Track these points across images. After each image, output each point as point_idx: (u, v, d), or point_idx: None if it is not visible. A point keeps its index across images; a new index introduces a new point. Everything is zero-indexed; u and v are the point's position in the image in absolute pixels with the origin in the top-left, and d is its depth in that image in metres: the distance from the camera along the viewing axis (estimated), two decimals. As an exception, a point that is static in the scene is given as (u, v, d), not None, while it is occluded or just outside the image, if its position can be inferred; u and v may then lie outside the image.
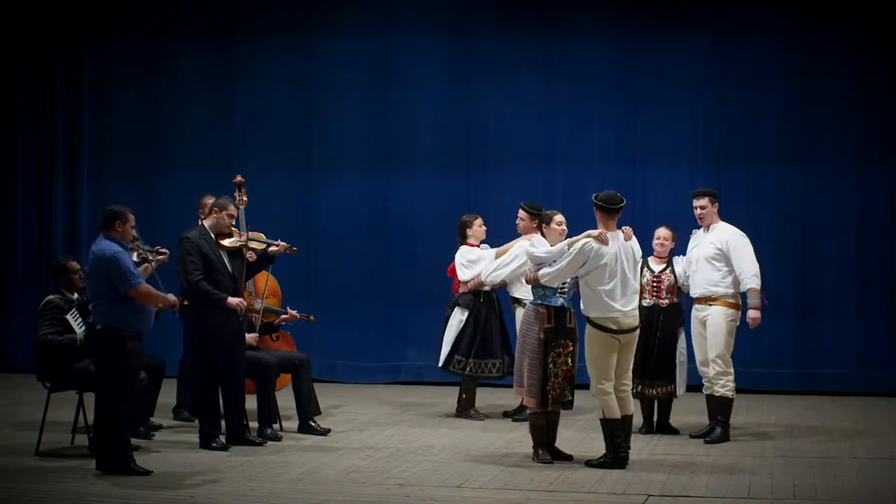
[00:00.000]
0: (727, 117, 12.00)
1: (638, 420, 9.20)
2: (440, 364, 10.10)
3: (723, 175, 11.91)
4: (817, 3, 11.87)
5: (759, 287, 8.96)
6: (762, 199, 11.89)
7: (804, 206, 11.87)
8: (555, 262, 7.91)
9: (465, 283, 9.98)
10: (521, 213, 9.98)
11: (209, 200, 9.76)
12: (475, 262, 9.98)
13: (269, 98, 13.01)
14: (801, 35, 11.84)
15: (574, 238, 7.91)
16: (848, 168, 11.80)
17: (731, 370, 8.98)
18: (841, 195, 11.83)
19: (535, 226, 9.84)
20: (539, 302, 8.08)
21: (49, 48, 13.53)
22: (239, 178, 9.50)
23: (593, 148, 12.33)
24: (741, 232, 9.15)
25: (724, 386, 8.94)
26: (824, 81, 11.80)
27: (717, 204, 9.22)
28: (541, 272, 7.95)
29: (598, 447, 8.18)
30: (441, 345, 10.09)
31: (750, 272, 8.94)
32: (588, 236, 7.84)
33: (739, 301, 9.06)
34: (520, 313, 9.54)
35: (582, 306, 8.00)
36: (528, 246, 8.25)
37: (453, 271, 10.18)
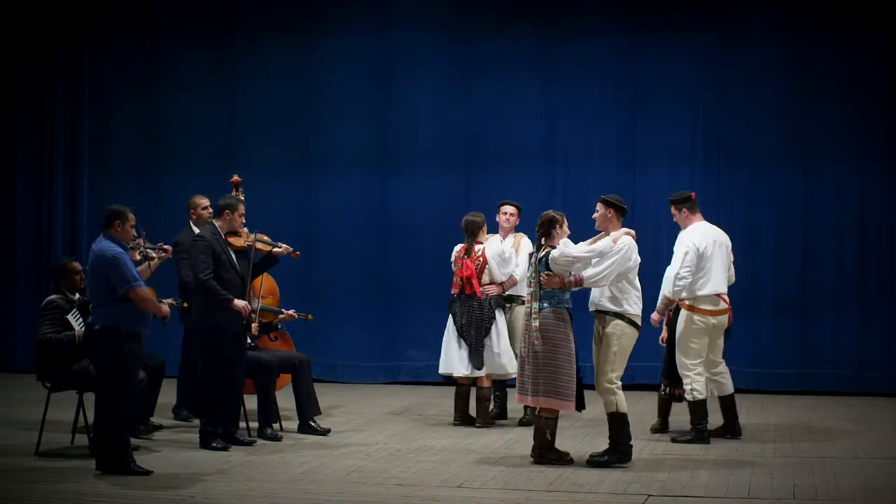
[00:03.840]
0: (727, 117, 12.00)
1: (643, 420, 9.24)
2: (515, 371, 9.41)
3: (723, 175, 11.93)
4: (817, 3, 11.87)
5: (672, 297, 8.87)
6: (762, 199, 11.90)
7: (804, 206, 11.87)
8: (595, 261, 7.84)
9: (502, 283, 9.66)
10: (511, 210, 9.96)
11: (200, 200, 9.80)
12: (508, 262, 9.71)
13: (269, 98, 13.02)
14: (801, 35, 11.83)
15: (615, 235, 7.92)
16: (848, 168, 11.80)
17: (690, 373, 8.82)
18: (841, 195, 11.83)
19: (517, 223, 9.92)
20: (564, 305, 7.95)
21: (49, 48, 13.54)
22: (236, 177, 9.53)
23: (593, 148, 12.33)
24: (697, 236, 8.92)
25: (686, 387, 8.88)
26: (824, 81, 11.80)
27: (683, 210, 9.06)
28: (588, 273, 7.84)
29: (598, 447, 8.17)
30: (482, 350, 9.58)
31: (671, 279, 8.89)
32: (628, 233, 7.92)
33: (707, 306, 8.86)
34: (519, 312, 9.49)
35: (611, 305, 7.98)
36: (562, 247, 7.93)
37: (473, 272, 9.64)
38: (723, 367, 9.13)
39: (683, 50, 12.10)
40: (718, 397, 9.14)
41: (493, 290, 9.68)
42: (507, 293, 9.81)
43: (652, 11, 12.18)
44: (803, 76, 11.85)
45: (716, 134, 12.04)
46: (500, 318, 9.67)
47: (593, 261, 7.88)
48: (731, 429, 9.09)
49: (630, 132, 12.25)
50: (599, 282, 7.88)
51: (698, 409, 8.87)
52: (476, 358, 9.58)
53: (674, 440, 8.91)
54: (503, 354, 9.59)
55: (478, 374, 9.60)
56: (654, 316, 9.00)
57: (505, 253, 9.74)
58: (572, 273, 7.87)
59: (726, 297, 9.01)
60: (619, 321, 7.98)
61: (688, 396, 8.88)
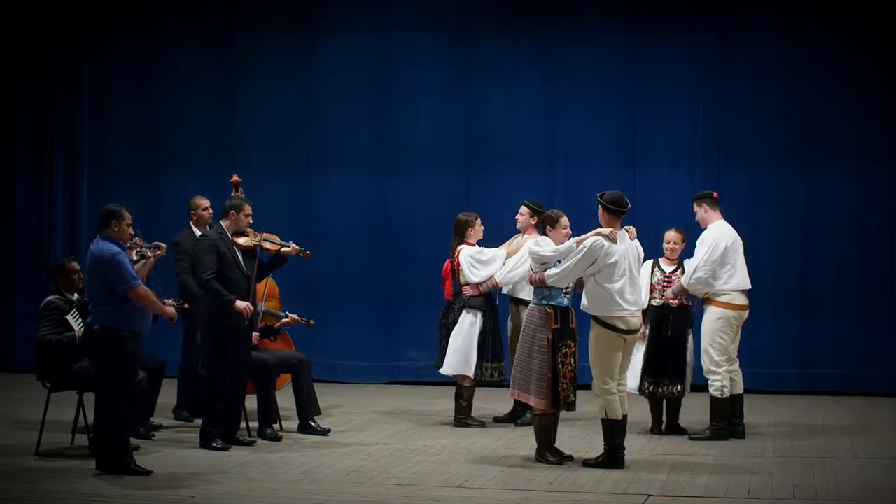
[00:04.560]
0: (727, 117, 12.00)
1: (642, 419, 9.24)
2: (471, 374, 9.55)
3: (723, 175, 11.92)
4: (817, 3, 11.87)
5: (686, 287, 9.00)
6: (762, 198, 11.90)
7: (804, 206, 11.88)
8: (560, 261, 7.87)
9: (478, 284, 9.62)
10: (522, 210, 9.91)
11: (200, 201, 9.82)
12: (487, 263, 9.65)
13: (269, 98, 13.02)
14: (801, 35, 11.84)
15: (582, 236, 7.86)
16: (848, 168, 11.80)
17: (720, 370, 8.91)
18: (841, 195, 11.83)
19: (534, 223, 9.80)
20: (545, 303, 8.01)
21: (49, 48, 13.53)
22: (235, 177, 9.52)
23: (593, 148, 12.33)
24: (721, 232, 9.05)
25: (711, 385, 8.95)
26: (824, 81, 11.81)
27: (703, 206, 9.17)
28: (548, 272, 7.88)
29: (598, 447, 8.16)
30: (446, 350, 9.64)
31: (689, 270, 9.00)
32: (598, 234, 7.83)
33: (737, 300, 9.00)
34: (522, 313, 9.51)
35: (587, 305, 7.94)
36: (532, 245, 8.08)
37: (451, 272, 9.76)
38: (737, 366, 9.15)
39: (683, 50, 12.10)
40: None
41: (466, 292, 9.68)
42: (520, 296, 9.70)
43: (652, 11, 12.18)
44: (803, 76, 11.85)
45: (716, 134, 12.04)
46: (468, 319, 9.62)
47: (555, 262, 7.89)
48: (735, 429, 9.09)
49: (630, 132, 12.25)
50: (559, 282, 7.88)
51: (724, 407, 8.93)
52: (440, 357, 9.71)
53: (691, 438, 8.92)
54: (454, 355, 9.60)
55: (439, 371, 9.74)
56: (668, 294, 9.11)
57: (482, 254, 9.69)
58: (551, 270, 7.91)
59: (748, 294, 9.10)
60: (595, 324, 7.95)
61: (716, 393, 8.93)
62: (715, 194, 9.28)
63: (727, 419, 8.99)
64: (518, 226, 9.94)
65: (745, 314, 9.09)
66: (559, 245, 8.03)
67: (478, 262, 9.66)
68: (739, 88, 11.97)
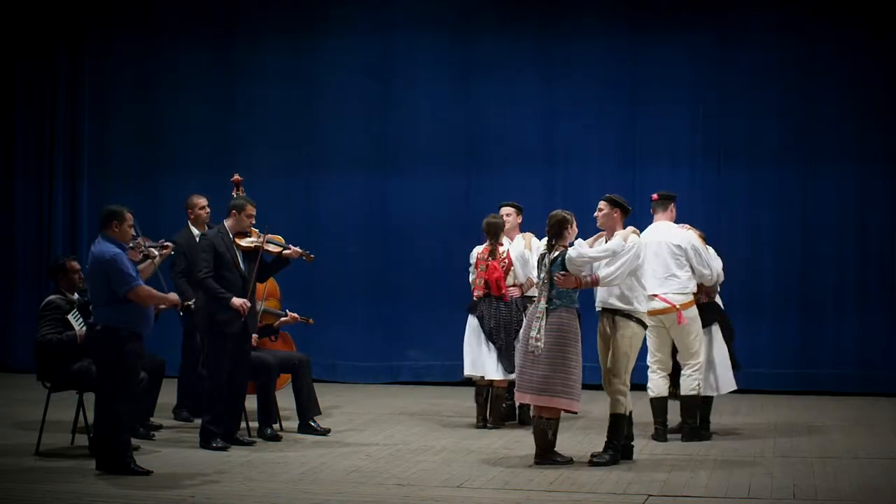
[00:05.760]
0: (727, 117, 12.01)
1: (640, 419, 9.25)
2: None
3: (723, 175, 11.93)
4: (817, 3, 11.88)
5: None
6: (762, 198, 11.90)
7: (804, 206, 11.88)
8: (609, 260, 7.83)
9: (521, 285, 9.56)
10: (508, 210, 9.86)
11: (197, 200, 9.82)
12: (527, 262, 9.56)
13: (269, 98, 13.02)
14: (801, 35, 11.84)
15: (624, 234, 7.90)
16: (847, 168, 11.80)
17: (648, 371, 8.98)
18: (841, 195, 11.83)
19: (520, 222, 9.85)
20: (574, 305, 7.94)
21: (49, 48, 13.54)
22: (237, 176, 9.52)
23: (593, 148, 12.33)
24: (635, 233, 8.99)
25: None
26: (824, 81, 11.81)
27: (654, 206, 9.22)
28: (603, 273, 7.82)
29: (598, 447, 8.16)
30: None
31: None
32: (634, 233, 7.93)
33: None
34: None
35: (619, 303, 7.96)
36: (578, 248, 7.91)
37: (501, 274, 9.52)
38: (686, 370, 8.93)
39: (683, 50, 12.11)
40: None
41: (515, 293, 9.59)
42: (526, 294, 9.68)
43: (652, 11, 12.19)
44: (803, 76, 11.86)
45: (716, 134, 12.05)
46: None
47: (606, 260, 7.88)
48: (682, 429, 8.97)
49: (630, 132, 12.25)
50: (614, 281, 7.87)
51: (651, 407, 8.97)
52: (508, 360, 9.41)
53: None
54: None
55: (511, 376, 9.29)
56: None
57: (525, 255, 9.63)
58: (588, 273, 7.86)
59: (665, 297, 8.83)
60: (629, 321, 7.98)
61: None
62: (655, 196, 9.23)
63: (660, 418, 8.91)
64: (509, 226, 9.86)
65: (662, 318, 8.87)
66: (580, 245, 7.98)
67: (524, 263, 9.61)
68: (739, 88, 11.98)
